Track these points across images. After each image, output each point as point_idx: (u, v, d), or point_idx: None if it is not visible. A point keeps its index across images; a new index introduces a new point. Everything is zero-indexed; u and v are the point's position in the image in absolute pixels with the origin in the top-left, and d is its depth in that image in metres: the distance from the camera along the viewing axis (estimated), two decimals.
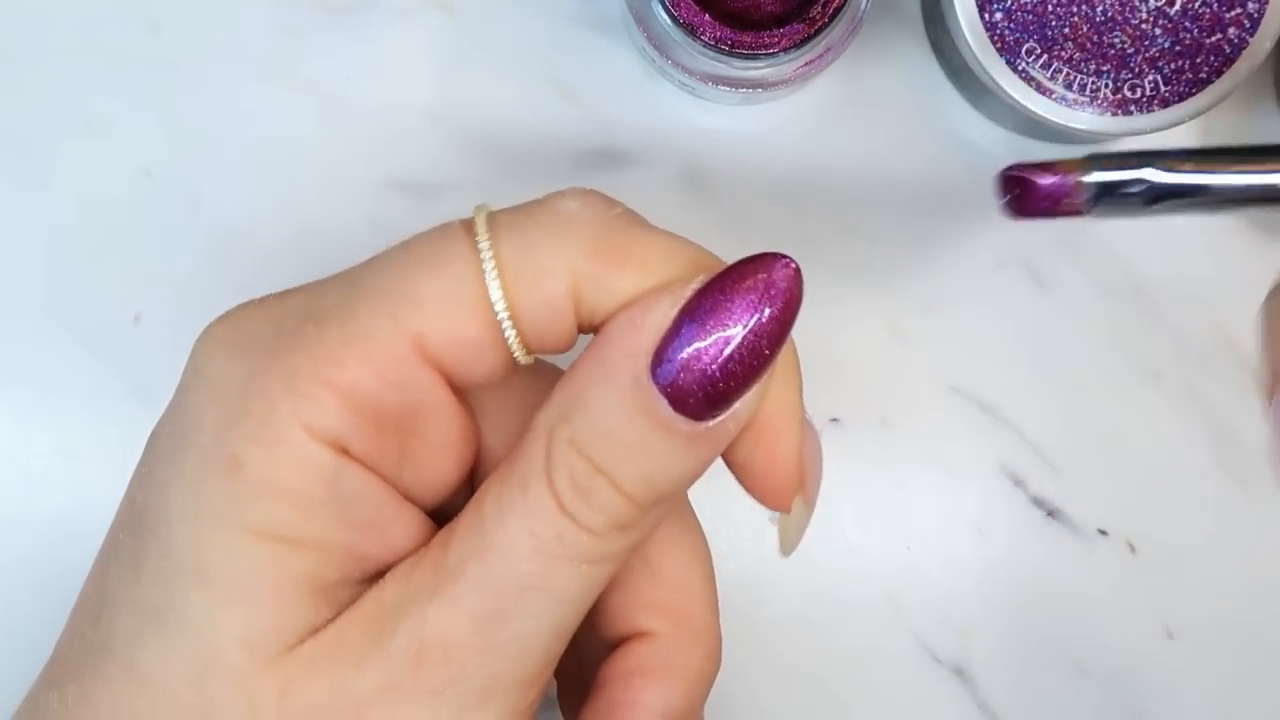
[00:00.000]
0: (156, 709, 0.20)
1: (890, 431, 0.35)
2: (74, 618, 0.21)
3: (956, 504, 0.35)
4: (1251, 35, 0.30)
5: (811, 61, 0.30)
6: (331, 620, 0.20)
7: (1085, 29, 0.31)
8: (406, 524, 0.21)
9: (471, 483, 0.23)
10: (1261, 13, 0.30)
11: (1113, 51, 0.31)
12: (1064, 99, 0.31)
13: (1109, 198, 0.24)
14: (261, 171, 0.34)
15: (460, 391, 0.22)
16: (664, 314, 0.20)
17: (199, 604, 0.20)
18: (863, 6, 0.30)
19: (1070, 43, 0.31)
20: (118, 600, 0.20)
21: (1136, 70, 0.31)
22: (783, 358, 0.20)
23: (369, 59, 0.34)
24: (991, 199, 0.24)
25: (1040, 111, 0.31)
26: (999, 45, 0.30)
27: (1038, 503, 0.35)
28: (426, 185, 0.34)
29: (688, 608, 0.23)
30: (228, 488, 0.20)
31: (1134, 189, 0.24)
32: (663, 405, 0.20)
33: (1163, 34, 0.31)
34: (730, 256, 0.21)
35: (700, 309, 0.20)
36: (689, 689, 0.23)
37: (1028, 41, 0.30)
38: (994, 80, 0.31)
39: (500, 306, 0.20)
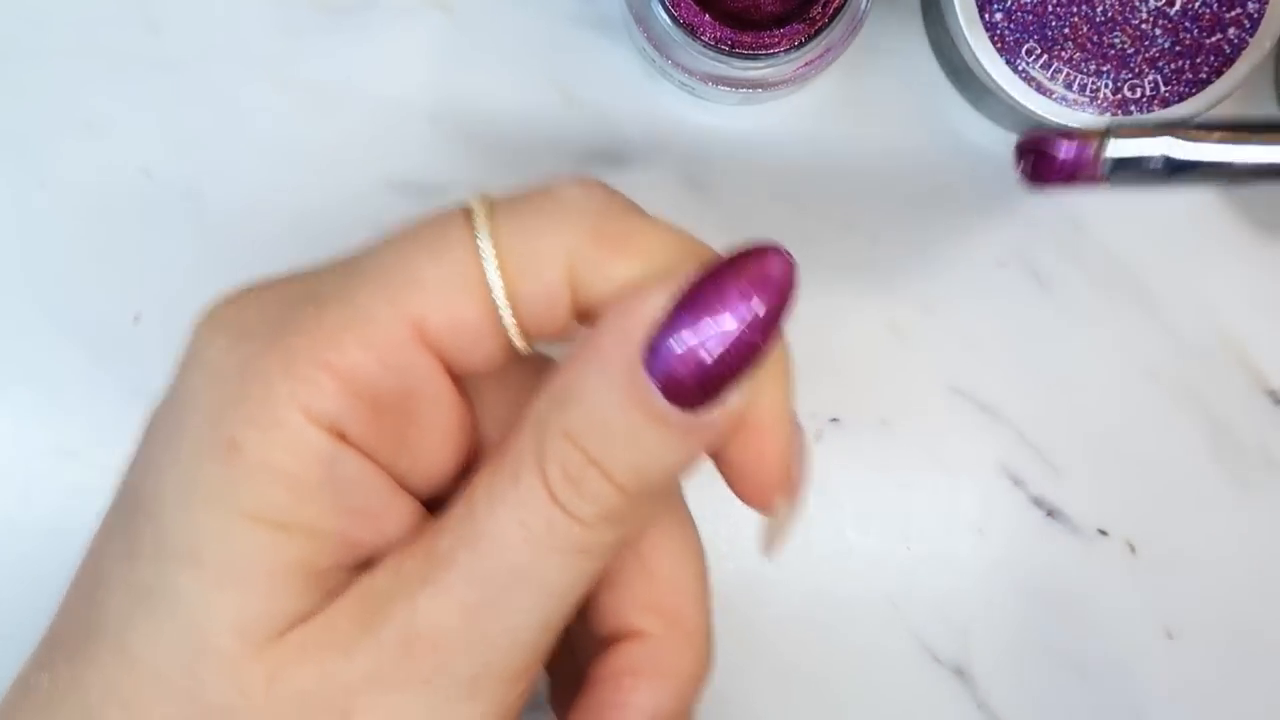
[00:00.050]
0: (145, 691, 0.20)
1: (890, 431, 0.35)
2: (68, 599, 0.21)
3: (956, 504, 0.35)
4: (1251, 35, 0.30)
5: (811, 61, 0.30)
6: (322, 607, 0.20)
7: (1085, 29, 0.31)
8: (401, 512, 0.21)
9: (467, 474, 0.23)
10: (1261, 13, 0.30)
11: (1113, 51, 0.31)
12: (1064, 99, 0.31)
13: (1128, 168, 0.23)
14: (261, 172, 0.34)
15: (459, 380, 0.22)
16: (658, 304, 0.20)
17: (191, 587, 0.20)
18: (863, 6, 0.30)
19: (1070, 43, 0.31)
20: (111, 582, 0.20)
21: (1136, 70, 0.31)
22: (773, 355, 0.20)
23: (369, 59, 0.34)
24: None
25: (1040, 111, 0.31)
26: (999, 45, 0.30)
27: (1038, 503, 0.35)
28: (426, 185, 0.34)
29: (681, 608, 0.23)
30: (224, 471, 0.20)
31: (1153, 162, 0.23)
32: (656, 396, 0.20)
33: (1163, 34, 0.31)
34: None
35: (694, 300, 0.19)
36: (680, 690, 0.23)
37: (1028, 41, 0.30)
38: (994, 80, 0.31)
39: (499, 290, 0.20)
